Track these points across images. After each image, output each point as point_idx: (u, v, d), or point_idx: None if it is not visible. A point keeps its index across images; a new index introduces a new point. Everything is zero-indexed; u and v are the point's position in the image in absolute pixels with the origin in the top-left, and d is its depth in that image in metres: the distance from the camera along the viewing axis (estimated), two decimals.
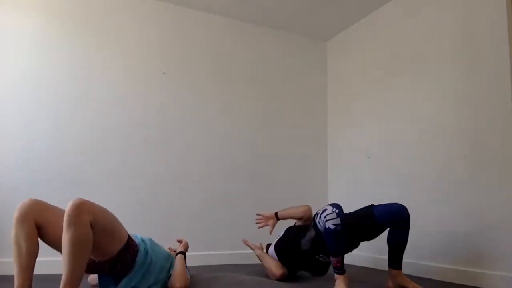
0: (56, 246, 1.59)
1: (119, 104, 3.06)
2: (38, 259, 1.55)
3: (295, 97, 3.79)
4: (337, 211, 2.01)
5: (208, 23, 3.48)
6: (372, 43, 3.43)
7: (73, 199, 1.48)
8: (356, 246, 2.36)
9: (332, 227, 1.98)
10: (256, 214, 2.64)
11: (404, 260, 2.18)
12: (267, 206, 3.43)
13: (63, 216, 1.45)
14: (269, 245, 2.61)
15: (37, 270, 1.57)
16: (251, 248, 2.61)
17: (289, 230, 2.55)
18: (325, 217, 2.02)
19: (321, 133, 3.88)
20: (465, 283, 2.39)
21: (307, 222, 2.51)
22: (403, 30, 3.11)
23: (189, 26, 3.40)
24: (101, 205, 1.59)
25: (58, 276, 1.47)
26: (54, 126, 2.84)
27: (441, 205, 2.65)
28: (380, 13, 3.35)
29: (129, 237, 1.74)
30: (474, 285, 2.34)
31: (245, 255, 3.06)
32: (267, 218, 2.59)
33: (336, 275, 2.05)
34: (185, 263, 2.08)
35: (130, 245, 1.73)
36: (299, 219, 2.58)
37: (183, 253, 2.13)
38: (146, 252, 1.83)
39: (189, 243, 2.28)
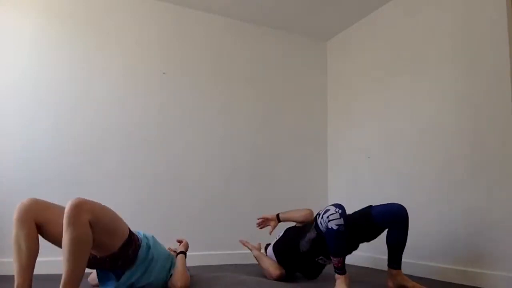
0: (58, 243, 1.59)
1: (119, 104, 3.06)
2: (38, 259, 1.55)
3: (295, 97, 3.79)
4: (340, 211, 2.00)
5: (208, 23, 3.48)
6: (372, 43, 3.43)
7: (72, 199, 1.48)
8: (356, 247, 2.35)
9: (335, 227, 1.98)
10: (258, 219, 2.62)
11: (404, 260, 2.18)
12: (267, 206, 3.43)
13: (63, 214, 1.45)
14: (268, 245, 2.61)
15: (37, 270, 1.57)
16: (249, 249, 2.61)
17: (288, 231, 2.55)
18: (327, 217, 2.02)
19: (321, 133, 3.88)
20: (465, 283, 2.39)
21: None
22: (403, 30, 3.11)
23: (189, 26, 3.40)
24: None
25: (58, 276, 1.47)
26: (54, 126, 2.84)
27: (441, 205, 2.65)
28: (380, 13, 3.36)
29: (130, 231, 1.74)
30: (474, 285, 2.34)
31: (245, 255, 3.05)
32: (268, 219, 2.59)
33: (337, 275, 2.05)
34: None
35: (132, 240, 1.73)
36: (300, 222, 2.56)
37: (184, 253, 2.13)
38: (149, 247, 1.83)
39: (189, 243, 2.28)
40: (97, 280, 1.88)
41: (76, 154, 2.87)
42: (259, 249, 2.64)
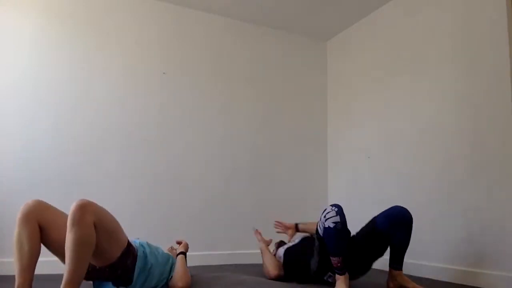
0: (56, 249, 1.60)
1: (119, 104, 3.06)
2: (39, 259, 1.55)
3: (295, 97, 3.79)
4: (336, 209, 2.00)
5: (208, 23, 3.48)
6: (372, 43, 3.43)
7: (77, 200, 1.48)
8: (369, 267, 2.23)
9: (331, 225, 1.97)
10: (275, 221, 2.60)
11: (404, 260, 2.18)
12: (267, 206, 3.44)
13: (66, 220, 1.45)
14: (281, 242, 2.58)
15: (38, 270, 1.56)
16: (258, 239, 2.60)
17: (305, 240, 2.41)
18: (324, 216, 2.01)
19: (321, 133, 3.88)
20: (465, 283, 2.39)
21: None
22: (403, 30, 3.11)
23: (189, 26, 3.40)
24: (101, 206, 1.59)
25: (59, 276, 1.47)
26: (54, 126, 2.84)
27: (441, 205, 2.65)
28: (380, 13, 3.36)
29: (128, 242, 1.74)
30: (474, 285, 2.34)
31: (245, 255, 3.06)
32: (287, 227, 2.57)
33: (336, 276, 2.04)
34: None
35: (130, 250, 1.72)
36: None
37: (184, 253, 2.13)
38: (145, 256, 1.82)
39: (189, 243, 2.28)
40: None
41: (76, 154, 2.87)
42: (268, 244, 2.58)
